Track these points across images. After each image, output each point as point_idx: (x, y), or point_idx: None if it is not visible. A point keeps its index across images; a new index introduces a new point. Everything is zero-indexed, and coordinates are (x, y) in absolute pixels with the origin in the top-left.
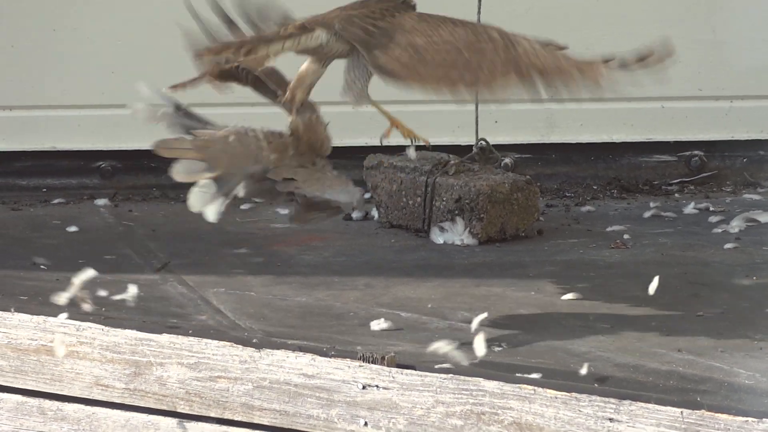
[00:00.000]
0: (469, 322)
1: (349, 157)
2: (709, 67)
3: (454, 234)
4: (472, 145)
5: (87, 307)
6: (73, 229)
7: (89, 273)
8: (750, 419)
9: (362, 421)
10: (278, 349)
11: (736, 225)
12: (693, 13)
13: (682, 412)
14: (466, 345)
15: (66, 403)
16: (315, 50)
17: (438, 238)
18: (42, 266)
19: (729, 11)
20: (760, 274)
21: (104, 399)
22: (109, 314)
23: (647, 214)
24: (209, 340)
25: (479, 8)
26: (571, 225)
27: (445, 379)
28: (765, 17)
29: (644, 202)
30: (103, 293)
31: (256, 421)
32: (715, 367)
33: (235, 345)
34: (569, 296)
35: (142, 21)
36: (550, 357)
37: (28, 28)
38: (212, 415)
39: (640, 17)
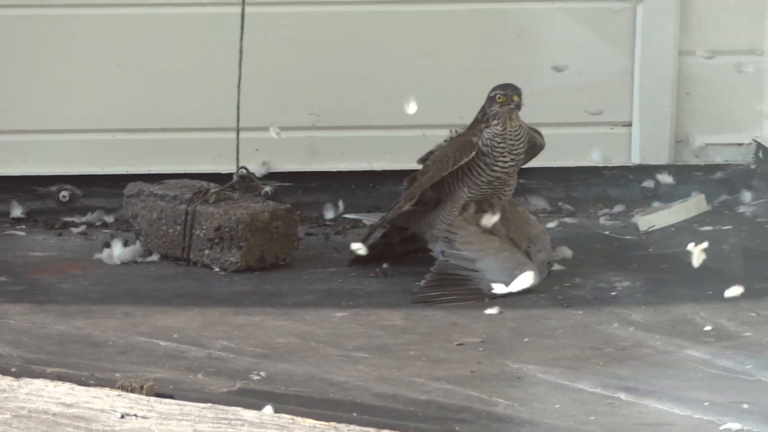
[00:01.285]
0: (229, 351)
1: (110, 186)
2: (470, 95)
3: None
4: (232, 174)
5: None
6: None
7: None
8: None
9: None
10: (37, 377)
11: None
12: (454, 40)
13: None
14: (226, 374)
15: None
16: None
17: None
18: None
19: (489, 40)
20: (510, 303)
21: None
22: None
23: None
24: None
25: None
26: (330, 254)
27: (203, 408)
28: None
29: None
30: None
31: None
32: (474, 396)
33: None
34: (329, 326)
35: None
36: (308, 386)
37: None
38: None
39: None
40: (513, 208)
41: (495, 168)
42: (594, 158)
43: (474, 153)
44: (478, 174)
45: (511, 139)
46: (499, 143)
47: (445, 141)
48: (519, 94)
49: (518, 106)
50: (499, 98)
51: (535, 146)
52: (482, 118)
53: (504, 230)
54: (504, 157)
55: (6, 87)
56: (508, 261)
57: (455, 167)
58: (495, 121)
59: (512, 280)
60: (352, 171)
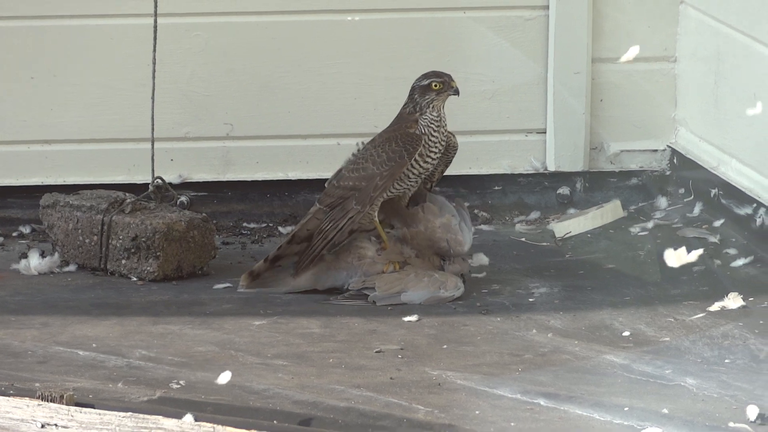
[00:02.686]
0: (148, 360)
1: (25, 197)
2: (384, 103)
3: None
4: (148, 184)
5: None
6: None
7: None
8: None
9: None
10: None
11: None
12: (368, 50)
13: None
14: (146, 383)
15: None
16: None
17: None
18: None
19: (403, 50)
20: (428, 311)
21: None
22: None
23: None
24: None
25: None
26: (248, 262)
27: (124, 417)
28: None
29: None
30: None
31: None
32: (394, 403)
33: None
34: (247, 334)
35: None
36: (228, 394)
37: None
38: None
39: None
40: (415, 229)
41: (427, 159)
42: (509, 166)
43: (422, 143)
44: (412, 166)
45: (443, 127)
46: (435, 131)
47: (353, 155)
48: (453, 79)
49: (457, 91)
50: (436, 85)
51: (449, 147)
52: (414, 110)
53: (412, 252)
54: (436, 146)
55: None
56: (430, 286)
57: (411, 160)
58: (429, 109)
59: (439, 301)
60: (268, 180)
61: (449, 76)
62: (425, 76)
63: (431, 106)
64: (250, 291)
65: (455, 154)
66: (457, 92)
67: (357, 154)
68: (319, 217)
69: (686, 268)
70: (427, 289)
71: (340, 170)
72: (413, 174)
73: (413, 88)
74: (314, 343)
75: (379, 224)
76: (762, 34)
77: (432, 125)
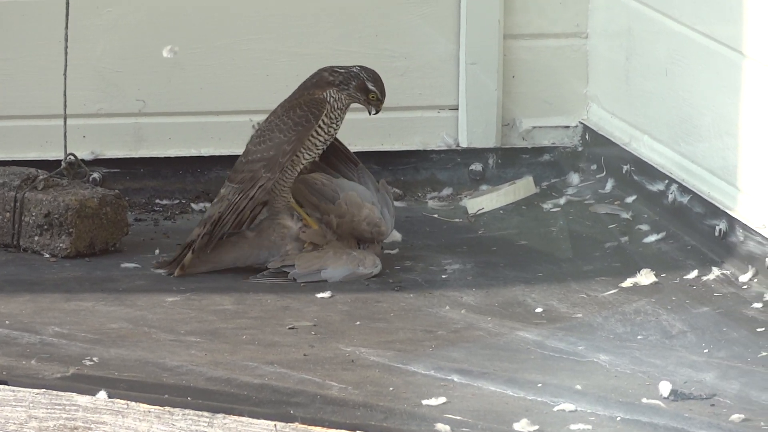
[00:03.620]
0: (61, 336)
1: None
2: (296, 80)
3: None
4: (60, 160)
5: None
6: None
7: None
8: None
9: None
10: None
11: None
12: (279, 26)
13: (275, 425)
14: (59, 360)
15: None
16: None
17: None
18: None
19: (314, 26)
20: (341, 287)
21: None
22: None
23: None
24: None
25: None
26: (160, 239)
27: (38, 394)
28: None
29: None
30: None
31: None
32: (307, 379)
33: None
34: (160, 311)
35: None
36: (141, 371)
37: None
38: None
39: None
40: (340, 220)
41: (329, 130)
42: (421, 142)
43: (326, 107)
44: (317, 133)
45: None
46: (338, 108)
47: (256, 131)
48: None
49: (377, 112)
50: (373, 96)
51: None
52: (337, 84)
53: (334, 236)
54: (337, 121)
55: None
56: (349, 263)
57: (317, 123)
58: (346, 97)
59: (358, 277)
60: (180, 157)
61: (384, 96)
62: (374, 80)
63: (352, 99)
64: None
65: None
66: (374, 112)
67: (260, 129)
68: (231, 198)
69: (598, 244)
70: (346, 266)
71: (247, 146)
72: (320, 141)
73: (354, 75)
74: (227, 319)
75: (297, 206)
76: (672, 10)
77: (337, 102)
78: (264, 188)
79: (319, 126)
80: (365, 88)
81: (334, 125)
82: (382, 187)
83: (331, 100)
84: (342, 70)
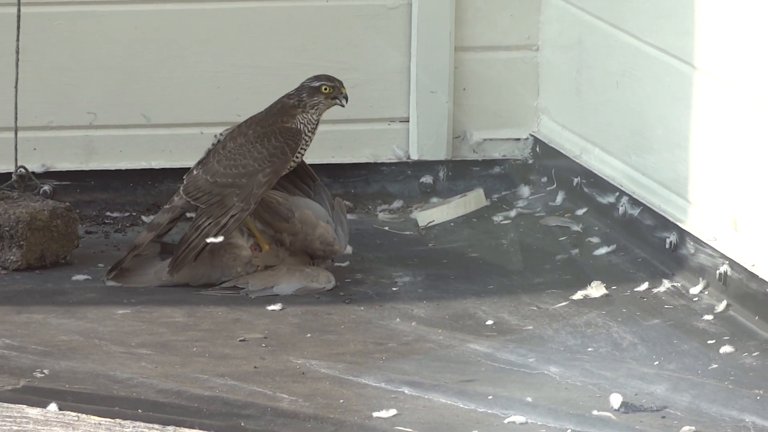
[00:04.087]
0: (12, 348)
1: None
2: (247, 92)
3: None
4: (11, 173)
5: None
6: None
7: None
8: None
9: None
10: None
11: None
12: (231, 38)
13: None
14: (10, 372)
15: None
16: None
17: None
18: None
19: (266, 38)
20: (292, 300)
21: None
22: None
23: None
24: None
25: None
26: (111, 251)
27: None
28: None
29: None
30: None
31: None
32: (258, 392)
33: None
34: (111, 323)
35: None
36: (92, 383)
37: None
38: None
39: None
40: (293, 238)
41: (297, 156)
42: (372, 154)
43: (301, 141)
44: (291, 163)
45: (314, 131)
46: (309, 132)
47: (213, 145)
48: (344, 87)
49: (345, 99)
50: (326, 89)
51: None
52: (297, 105)
53: (286, 253)
54: (306, 146)
55: None
56: (302, 280)
57: (294, 156)
58: (313, 110)
59: (310, 292)
60: (131, 169)
61: (340, 82)
62: (317, 78)
63: (315, 108)
64: (118, 284)
65: None
66: (343, 102)
67: (227, 147)
68: (186, 208)
69: (549, 256)
70: (299, 282)
71: (203, 160)
72: (290, 167)
73: (302, 87)
74: (178, 332)
75: (253, 226)
76: (623, 22)
77: (308, 126)
78: (238, 219)
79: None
80: (314, 88)
81: (304, 149)
82: (337, 204)
83: (302, 127)
84: (292, 92)
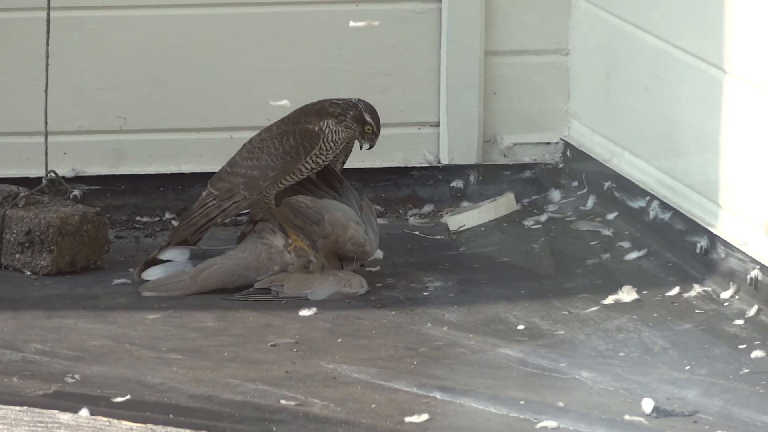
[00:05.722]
0: (43, 354)
1: None
2: (276, 96)
3: None
4: (41, 178)
5: None
6: None
7: None
8: None
9: None
10: None
11: None
12: (260, 43)
13: None
14: (41, 377)
15: None
16: None
17: None
18: None
19: (295, 42)
20: (323, 305)
21: None
22: None
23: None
24: None
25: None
26: (141, 256)
27: (20, 411)
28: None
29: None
30: None
31: None
32: (289, 396)
33: None
34: (142, 328)
35: None
36: (123, 388)
37: None
38: None
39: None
40: (325, 241)
41: (318, 161)
42: (402, 159)
43: (320, 142)
44: (304, 166)
45: (339, 145)
46: (332, 140)
47: (250, 141)
48: (377, 137)
49: (369, 146)
50: (368, 129)
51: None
52: (336, 115)
53: (319, 258)
54: (328, 153)
55: None
56: (336, 284)
57: (306, 157)
58: (343, 128)
59: (344, 296)
60: (161, 174)
61: (379, 133)
62: (371, 112)
63: (348, 129)
64: (153, 294)
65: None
66: (365, 146)
67: (253, 140)
68: (207, 201)
69: (580, 261)
70: (333, 287)
71: (234, 156)
72: (305, 169)
73: (354, 106)
74: (209, 336)
75: (288, 226)
76: (652, 25)
77: (331, 135)
78: (238, 206)
79: (308, 159)
80: (362, 119)
81: (323, 156)
82: (366, 205)
83: (327, 131)
84: (340, 102)
